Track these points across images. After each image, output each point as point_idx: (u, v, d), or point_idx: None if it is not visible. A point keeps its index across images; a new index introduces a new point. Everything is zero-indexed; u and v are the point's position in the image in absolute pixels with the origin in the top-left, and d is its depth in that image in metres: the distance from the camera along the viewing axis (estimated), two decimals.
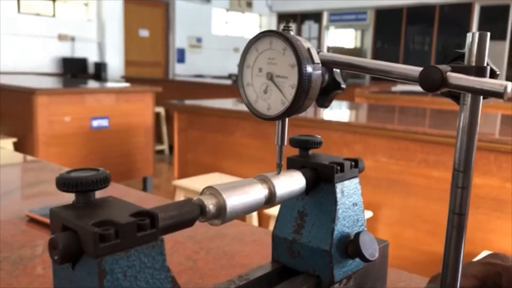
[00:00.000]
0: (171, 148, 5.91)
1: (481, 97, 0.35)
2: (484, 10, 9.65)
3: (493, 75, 0.35)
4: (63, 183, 0.30)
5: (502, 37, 9.53)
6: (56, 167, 1.27)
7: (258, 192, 0.39)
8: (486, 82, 0.32)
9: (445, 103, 4.06)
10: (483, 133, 2.10)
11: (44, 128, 3.58)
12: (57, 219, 0.29)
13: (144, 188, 4.34)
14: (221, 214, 0.36)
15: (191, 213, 0.34)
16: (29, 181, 1.14)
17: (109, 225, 0.28)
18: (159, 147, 6.01)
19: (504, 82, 0.32)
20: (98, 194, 0.32)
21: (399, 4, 10.36)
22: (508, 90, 0.32)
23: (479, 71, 0.34)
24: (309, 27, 12.22)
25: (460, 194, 0.37)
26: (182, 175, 3.08)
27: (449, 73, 0.33)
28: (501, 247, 1.95)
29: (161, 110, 5.87)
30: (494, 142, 1.96)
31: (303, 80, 0.37)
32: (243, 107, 3.25)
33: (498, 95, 0.32)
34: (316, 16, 11.99)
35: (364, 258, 0.43)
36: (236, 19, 12.07)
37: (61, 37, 8.30)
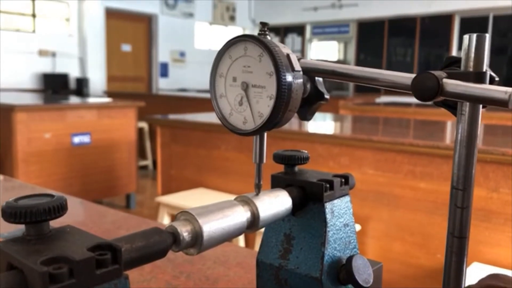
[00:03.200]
0: (155, 163, 5.83)
1: (480, 106, 0.32)
2: (464, 21, 9.82)
3: (493, 81, 0.32)
4: (10, 213, 0.26)
5: None
6: (30, 186, 1.22)
7: (239, 216, 0.35)
8: (488, 89, 0.29)
9: (429, 114, 4.08)
10: None
11: (23, 145, 3.51)
12: (3, 255, 0.25)
13: (128, 205, 4.26)
14: (197, 243, 0.32)
15: (162, 243, 0.30)
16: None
17: (62, 263, 0.24)
18: (143, 163, 5.94)
19: (509, 89, 0.28)
20: (56, 223, 0.28)
21: (381, 16, 10.49)
22: None
23: (479, 77, 0.31)
24: (292, 40, 12.30)
25: (460, 215, 0.34)
26: (166, 191, 3.02)
27: (445, 80, 0.30)
28: (490, 258, 1.94)
29: (144, 125, 5.81)
30: (480, 152, 1.95)
31: (282, 90, 0.33)
32: None
33: (502, 103, 0.28)
34: (299, 29, 12.08)
35: (357, 285, 0.39)
36: (219, 32, 12.08)
37: (42, 53, 8.19)
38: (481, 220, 1.98)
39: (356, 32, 11.19)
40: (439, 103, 0.34)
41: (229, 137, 2.77)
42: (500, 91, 0.29)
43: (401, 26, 10.33)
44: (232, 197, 1.46)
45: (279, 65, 0.33)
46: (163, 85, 10.26)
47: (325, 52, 12.26)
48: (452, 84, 0.30)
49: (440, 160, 2.04)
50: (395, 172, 2.18)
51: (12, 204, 0.26)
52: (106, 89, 8.84)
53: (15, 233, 0.77)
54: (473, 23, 9.69)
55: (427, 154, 2.06)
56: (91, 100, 4.88)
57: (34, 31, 8.24)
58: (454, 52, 10.14)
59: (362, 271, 0.40)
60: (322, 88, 0.38)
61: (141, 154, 5.59)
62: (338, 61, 12.10)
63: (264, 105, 0.35)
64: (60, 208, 0.27)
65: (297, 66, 0.34)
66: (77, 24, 8.69)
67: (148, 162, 6.08)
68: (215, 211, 0.33)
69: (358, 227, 2.22)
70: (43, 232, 0.27)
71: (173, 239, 0.31)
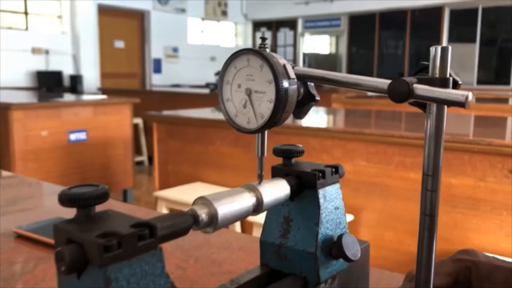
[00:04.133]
0: (150, 159, 5.88)
1: (445, 106, 0.39)
2: (453, 13, 9.91)
3: (456, 85, 0.39)
4: (66, 199, 0.32)
5: (472, 40, 9.80)
6: (34, 181, 1.28)
7: (246, 201, 0.41)
8: (449, 93, 0.36)
9: None
10: (457, 134, 2.17)
11: (21, 143, 3.54)
12: (62, 233, 0.32)
13: (125, 200, 4.31)
14: (213, 223, 0.38)
15: (185, 223, 0.36)
16: (9, 197, 1.14)
17: (112, 236, 0.30)
18: (138, 159, 5.98)
19: (465, 93, 0.35)
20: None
21: (372, 9, 10.56)
22: (469, 99, 0.35)
23: (443, 82, 0.37)
24: (284, 34, 12.34)
25: (430, 197, 0.40)
26: (163, 186, 3.08)
27: (415, 85, 0.36)
28: (478, 245, 2.01)
29: (139, 121, 5.85)
30: (467, 143, 2.02)
31: (280, 95, 0.40)
32: (221, 116, 3.27)
33: (460, 104, 0.35)
34: (291, 23, 12.12)
35: (347, 258, 0.46)
36: (212, 28, 12.10)
37: (35, 51, 8.19)
38: (469, 208, 2.06)
39: (347, 26, 11.25)
40: (412, 103, 0.41)
41: (224, 132, 2.83)
42: (459, 94, 0.35)
43: (392, 19, 10.40)
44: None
45: (277, 74, 0.40)
46: (157, 81, 10.28)
47: (317, 46, 12.31)
48: (421, 89, 0.36)
49: None
50: (386, 163, 2.25)
51: (67, 192, 0.33)
52: (100, 86, 8.85)
53: (32, 225, 0.83)
54: (463, 15, 9.78)
55: (417, 146, 2.13)
56: (86, 97, 4.92)
57: (26, 29, 8.23)
58: (444, 44, 10.16)
59: (351, 247, 0.47)
60: (313, 91, 0.45)
61: (137, 150, 5.64)
62: (330, 55, 12.16)
63: (265, 108, 0.41)
64: (104, 195, 0.33)
65: (292, 74, 0.41)
66: (69, 22, 8.68)
67: (144, 158, 6.13)
68: (227, 197, 0.40)
69: (351, 217, 2.29)
70: (90, 214, 0.33)
71: (193, 220, 0.37)
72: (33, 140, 3.61)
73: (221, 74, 0.44)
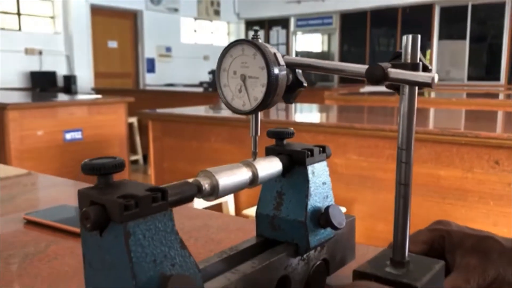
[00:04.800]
0: (145, 157, 5.92)
1: (416, 88, 0.45)
2: (444, 10, 10.02)
3: (426, 69, 0.44)
4: (88, 168, 0.37)
5: (462, 37, 9.91)
6: (36, 174, 1.32)
7: (244, 174, 0.47)
8: (417, 75, 0.41)
9: None
10: (446, 128, 2.23)
11: (16, 143, 3.57)
12: (85, 196, 0.37)
13: None
14: (214, 192, 0.44)
15: (191, 191, 0.42)
16: (15, 189, 1.19)
17: (130, 198, 0.35)
18: (133, 157, 6.02)
19: (432, 74, 0.41)
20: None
21: (363, 7, 10.64)
22: (435, 81, 0.41)
23: (414, 66, 0.43)
24: (277, 33, 12.40)
25: (404, 168, 0.46)
26: (159, 183, 3.06)
27: (389, 69, 0.42)
28: None
29: (133, 120, 5.88)
30: (455, 136, 2.09)
31: (272, 80, 0.45)
32: (216, 113, 3.31)
33: (427, 85, 0.41)
34: (283, 22, 12.19)
35: (333, 227, 0.52)
36: (205, 27, 12.14)
37: (28, 51, 8.19)
38: (457, 198, 2.12)
39: (339, 24, 11.33)
40: (389, 86, 0.47)
41: (219, 129, 2.88)
42: (426, 76, 0.41)
43: (383, 16, 10.49)
44: None
45: (269, 61, 0.45)
46: (150, 81, 10.30)
47: (309, 44, 12.38)
48: (394, 72, 0.42)
49: (418, 143, 2.17)
50: (377, 156, 2.31)
51: (89, 162, 0.38)
52: (93, 86, 8.87)
53: (40, 212, 0.88)
54: (453, 12, 9.88)
55: None
56: (81, 97, 4.95)
57: (20, 30, 8.23)
58: (435, 41, 10.32)
59: (337, 217, 0.52)
60: (301, 78, 0.51)
61: (131, 149, 5.67)
62: (322, 53, 12.24)
63: (258, 91, 0.47)
64: (121, 165, 0.38)
65: (282, 62, 0.47)
66: (62, 22, 8.69)
67: (139, 156, 6.17)
68: (227, 170, 0.45)
69: (343, 210, 2.35)
70: (109, 182, 0.38)
71: (197, 189, 0.43)
72: (29, 139, 3.64)
73: (218, 62, 0.50)
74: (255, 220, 0.57)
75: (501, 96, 5.23)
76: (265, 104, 0.46)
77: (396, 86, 0.46)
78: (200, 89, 6.60)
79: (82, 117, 4.00)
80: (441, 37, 10.03)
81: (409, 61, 0.43)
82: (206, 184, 0.43)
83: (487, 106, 4.03)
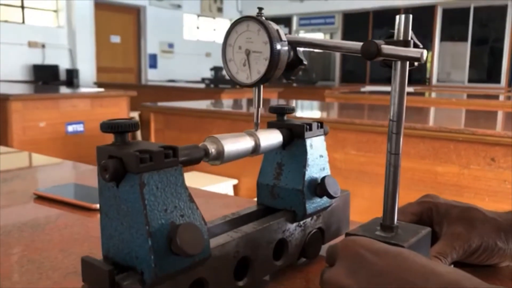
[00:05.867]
0: None
1: (407, 64, 0.48)
2: (446, 12, 10.05)
3: (417, 47, 0.48)
4: (107, 126, 0.41)
5: (464, 38, 9.94)
6: (42, 156, 1.36)
7: (247, 143, 0.51)
8: (408, 51, 0.45)
9: (409, 101, 4.26)
10: (443, 126, 2.27)
11: (19, 134, 3.60)
12: (104, 151, 0.41)
13: None
14: (220, 157, 0.48)
15: (199, 153, 0.46)
16: (23, 168, 1.22)
17: (145, 153, 0.39)
18: None
19: (421, 50, 0.45)
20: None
21: (366, 7, 10.68)
22: (424, 56, 0.45)
23: (405, 43, 0.47)
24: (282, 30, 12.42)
25: (395, 138, 0.50)
26: None
27: (382, 46, 0.46)
28: None
29: (135, 114, 5.92)
30: (453, 132, 2.13)
31: (274, 54, 0.49)
32: (218, 107, 3.33)
33: (417, 59, 0.45)
34: (286, 21, 12.22)
35: (329, 195, 0.56)
36: (207, 24, 12.17)
37: (31, 44, 8.23)
38: (453, 194, 2.16)
39: (341, 23, 11.36)
40: (383, 64, 0.51)
41: (220, 122, 2.91)
42: (415, 51, 0.45)
43: (385, 17, 10.52)
44: (223, 178, 1.68)
45: (272, 36, 0.49)
46: (152, 76, 10.34)
47: None
48: (387, 48, 0.46)
49: (416, 139, 2.21)
50: (376, 152, 2.35)
51: (107, 121, 0.42)
52: (95, 80, 8.90)
53: (50, 188, 0.92)
54: (455, 13, 9.91)
55: (405, 135, 2.18)
56: (84, 90, 4.99)
57: (23, 23, 8.26)
58: (436, 42, 10.35)
59: (332, 186, 0.56)
60: (301, 56, 0.54)
61: None
62: (324, 51, 12.26)
63: (261, 65, 0.50)
64: (136, 125, 0.42)
65: (284, 37, 0.50)
66: (66, 16, 8.73)
67: None
68: (232, 137, 0.49)
69: None
70: (125, 140, 0.42)
71: (204, 153, 0.46)
72: (31, 130, 3.67)
73: (224, 38, 0.53)
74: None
75: (501, 98, 5.26)
76: (267, 76, 0.50)
77: (389, 63, 0.49)
78: (202, 85, 6.63)
79: (85, 110, 4.04)
80: (442, 38, 10.07)
81: (401, 38, 0.47)
82: (212, 149, 0.47)
83: (487, 107, 4.06)
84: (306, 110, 3.46)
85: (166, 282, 0.40)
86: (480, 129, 2.09)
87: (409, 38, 0.47)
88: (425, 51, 0.44)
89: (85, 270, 0.41)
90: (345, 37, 11.40)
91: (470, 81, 9.92)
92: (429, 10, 9.97)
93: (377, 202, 2.48)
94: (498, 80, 9.62)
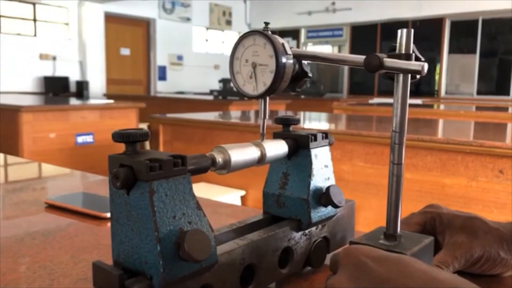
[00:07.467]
0: None
1: (409, 76, 0.50)
2: (454, 25, 10.06)
3: (419, 60, 0.50)
4: (119, 136, 0.43)
5: (472, 51, 9.93)
6: (53, 167, 1.38)
7: (253, 153, 0.52)
8: (409, 63, 0.47)
9: (417, 113, 4.27)
10: (450, 138, 2.27)
11: (29, 144, 3.64)
12: (115, 160, 0.42)
13: None
14: (226, 166, 0.49)
15: (206, 163, 0.47)
16: (34, 178, 1.25)
17: (155, 161, 0.41)
18: None
19: (422, 63, 0.46)
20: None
21: (374, 20, 10.72)
22: (425, 69, 0.46)
23: (407, 57, 0.48)
24: (288, 43, 12.49)
25: (398, 149, 0.51)
26: None
27: (385, 59, 0.47)
28: None
29: (144, 126, 5.97)
30: (460, 144, 2.13)
31: (279, 67, 0.51)
32: (226, 118, 3.35)
33: (418, 72, 0.46)
34: (294, 33, 12.29)
35: (334, 205, 0.57)
36: (216, 37, 12.28)
37: (43, 57, 8.35)
38: (461, 206, 2.15)
39: (349, 36, 11.41)
40: (386, 77, 0.52)
41: (228, 133, 2.93)
42: (417, 64, 0.46)
43: (393, 29, 10.51)
44: (231, 189, 1.70)
45: (277, 50, 0.51)
46: (161, 88, 10.42)
47: None
48: (389, 61, 0.47)
49: (424, 152, 2.21)
50: (383, 164, 2.35)
51: (119, 131, 0.43)
52: (105, 92, 9.00)
53: (60, 197, 0.94)
54: (463, 26, 9.91)
55: (412, 147, 2.23)
56: (94, 101, 5.04)
57: (35, 35, 8.39)
58: (445, 55, 10.35)
59: (337, 196, 0.57)
60: (306, 69, 0.56)
61: None
62: (332, 65, 12.28)
63: (267, 77, 0.52)
64: (146, 135, 0.44)
65: (289, 51, 0.52)
66: (77, 29, 8.86)
67: None
68: (238, 148, 0.50)
69: None
70: (136, 149, 0.44)
71: (212, 162, 0.48)
72: (41, 141, 3.72)
73: (231, 52, 0.55)
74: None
75: (510, 110, 5.24)
76: (273, 88, 0.52)
77: (391, 76, 0.51)
78: (211, 97, 6.68)
79: (94, 121, 4.08)
80: (451, 51, 10.06)
81: (403, 52, 0.49)
82: (219, 158, 0.48)
83: (496, 119, 4.05)
84: (314, 121, 3.48)
85: (174, 287, 0.42)
86: (488, 141, 2.08)
87: (411, 52, 0.49)
88: (426, 64, 0.46)
89: (96, 274, 0.42)
90: (353, 49, 11.44)
91: (479, 93, 9.89)
92: (437, 23, 9.98)
93: (384, 214, 2.47)
94: (507, 92, 9.58)
